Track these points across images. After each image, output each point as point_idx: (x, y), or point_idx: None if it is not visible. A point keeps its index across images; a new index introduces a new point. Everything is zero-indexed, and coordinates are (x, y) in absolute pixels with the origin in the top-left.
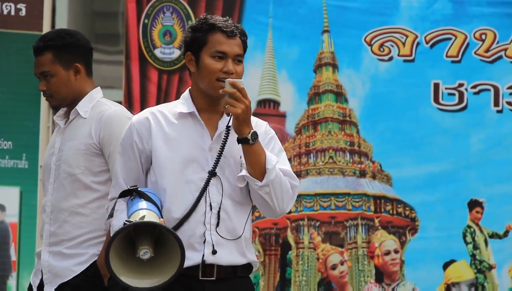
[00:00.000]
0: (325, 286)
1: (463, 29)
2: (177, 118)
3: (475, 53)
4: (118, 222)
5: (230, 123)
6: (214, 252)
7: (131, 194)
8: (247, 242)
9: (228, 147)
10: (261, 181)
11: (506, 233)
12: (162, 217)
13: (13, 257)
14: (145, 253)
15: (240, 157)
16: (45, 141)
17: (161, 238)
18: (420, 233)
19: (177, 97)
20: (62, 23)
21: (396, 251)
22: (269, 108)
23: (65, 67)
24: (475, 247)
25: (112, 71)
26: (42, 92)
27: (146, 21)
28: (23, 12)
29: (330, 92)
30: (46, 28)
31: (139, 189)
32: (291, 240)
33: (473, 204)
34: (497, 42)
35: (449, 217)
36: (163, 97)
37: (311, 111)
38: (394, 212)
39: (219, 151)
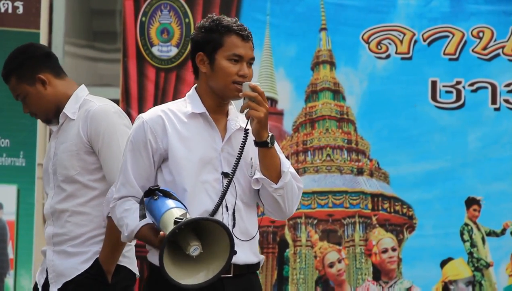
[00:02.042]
0: (322, 284)
1: (460, 26)
2: (188, 118)
3: (472, 51)
4: (133, 222)
5: (249, 127)
6: (234, 252)
7: (154, 194)
8: (257, 242)
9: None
10: (276, 184)
11: (503, 231)
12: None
13: (11, 255)
14: (195, 249)
15: (251, 158)
16: (42, 139)
17: (201, 236)
18: (417, 231)
19: (175, 95)
20: (59, 21)
21: (393, 249)
22: None
23: (30, 83)
24: (473, 245)
25: (109, 69)
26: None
27: (143, 19)
28: (20, 10)
29: (328, 90)
30: (44, 26)
31: (162, 189)
32: (288, 238)
33: (471, 202)
34: (495, 40)
35: (446, 215)
36: (161, 95)
37: (309, 109)
38: (392, 210)
39: (238, 153)
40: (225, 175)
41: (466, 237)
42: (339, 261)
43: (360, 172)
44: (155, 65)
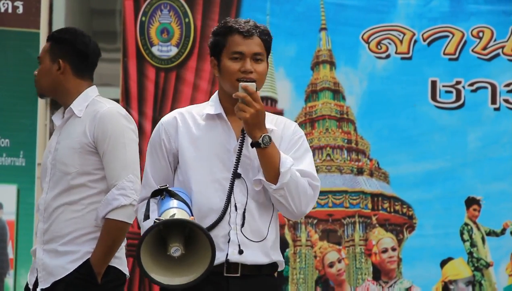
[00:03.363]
0: (322, 284)
1: (460, 26)
2: (205, 119)
3: (472, 50)
4: (149, 223)
5: None
6: (240, 252)
7: (162, 193)
8: (273, 243)
9: (253, 150)
10: (275, 184)
11: (503, 231)
12: (192, 215)
13: (11, 255)
14: (175, 250)
15: None
16: (42, 139)
17: (192, 237)
18: (417, 230)
19: (175, 95)
20: (59, 21)
21: (393, 249)
22: (266, 106)
23: (51, 59)
24: (472, 244)
25: (109, 69)
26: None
27: (143, 18)
28: (20, 10)
29: (328, 89)
30: (44, 26)
31: (169, 188)
32: (288, 237)
33: (470, 202)
34: (495, 40)
35: (446, 214)
36: (161, 94)
37: (309, 109)
38: (392, 210)
39: (238, 152)
40: (237, 175)
41: (466, 236)
42: (339, 261)
43: (360, 171)
44: (155, 65)
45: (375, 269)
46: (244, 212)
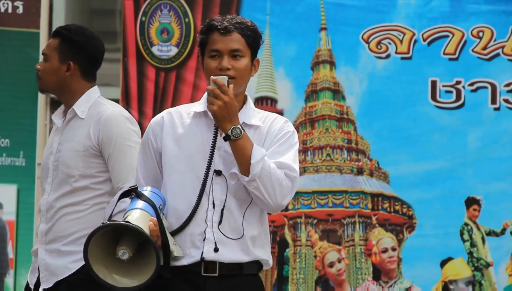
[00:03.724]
0: (322, 284)
1: (460, 26)
2: (191, 117)
3: (472, 50)
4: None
5: None
6: (216, 249)
7: (131, 194)
8: (254, 240)
9: None
10: (247, 177)
11: (503, 231)
12: (159, 217)
13: (11, 255)
14: (123, 253)
15: None
16: (42, 139)
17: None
18: (417, 230)
19: (175, 95)
20: (59, 20)
21: (393, 249)
22: (266, 106)
23: (61, 60)
24: (472, 244)
25: (109, 69)
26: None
27: (143, 18)
28: (20, 10)
29: (328, 89)
30: (44, 26)
31: (137, 190)
32: (288, 237)
33: (470, 202)
34: (494, 40)
35: (446, 214)
36: (161, 94)
37: (309, 109)
38: (392, 210)
39: (211, 148)
40: (217, 172)
41: (466, 236)
42: (339, 261)
43: (360, 171)
44: (155, 65)
45: (375, 269)
46: (222, 210)
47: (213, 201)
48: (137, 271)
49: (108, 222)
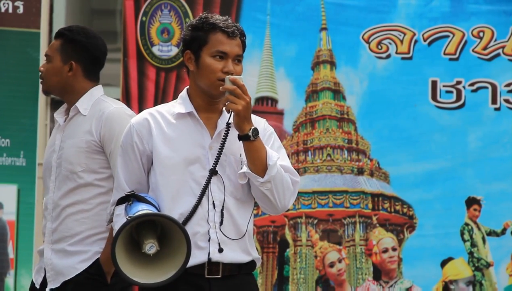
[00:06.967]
0: (323, 284)
1: (460, 26)
2: (176, 118)
3: (472, 50)
4: (119, 226)
5: (231, 121)
6: (220, 250)
7: (129, 199)
8: (250, 239)
9: (228, 145)
10: (262, 177)
11: (503, 231)
12: None
13: (11, 255)
14: (151, 247)
15: (240, 154)
16: (42, 139)
17: (165, 235)
18: (417, 230)
19: (175, 95)
20: (59, 20)
21: (394, 249)
22: (267, 106)
23: (63, 60)
24: (473, 244)
25: (110, 69)
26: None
27: (144, 18)
28: (20, 10)
29: (328, 89)
30: (44, 26)
31: (136, 194)
32: (289, 237)
33: (471, 202)
34: (495, 40)
35: (446, 214)
36: (161, 94)
37: (309, 109)
38: (392, 210)
39: (219, 148)
40: (212, 172)
41: (466, 236)
42: (340, 261)
43: (360, 171)
44: (156, 65)
45: (375, 269)
46: (222, 210)
47: (213, 201)
48: (161, 265)
49: (135, 215)
